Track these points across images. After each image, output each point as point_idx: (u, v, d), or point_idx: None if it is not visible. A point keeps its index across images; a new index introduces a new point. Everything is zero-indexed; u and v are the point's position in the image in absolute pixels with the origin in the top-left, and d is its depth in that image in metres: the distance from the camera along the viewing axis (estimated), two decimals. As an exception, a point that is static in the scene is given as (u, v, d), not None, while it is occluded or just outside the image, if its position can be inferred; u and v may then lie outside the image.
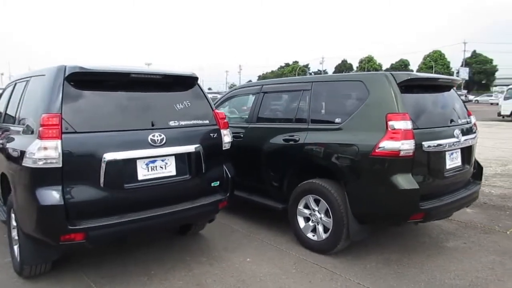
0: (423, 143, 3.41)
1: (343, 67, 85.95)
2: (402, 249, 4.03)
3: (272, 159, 4.36)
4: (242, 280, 3.37)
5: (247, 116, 4.90)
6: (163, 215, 3.14)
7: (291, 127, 4.22)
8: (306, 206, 4.02)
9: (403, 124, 3.31)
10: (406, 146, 3.28)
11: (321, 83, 4.16)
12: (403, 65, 78.73)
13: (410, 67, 78.78)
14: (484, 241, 4.28)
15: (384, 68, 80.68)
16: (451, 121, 3.88)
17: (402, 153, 3.28)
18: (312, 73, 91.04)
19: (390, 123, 3.34)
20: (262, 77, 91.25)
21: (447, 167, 3.70)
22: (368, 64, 78.26)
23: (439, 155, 3.60)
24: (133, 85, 3.25)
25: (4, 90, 4.94)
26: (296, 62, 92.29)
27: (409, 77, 3.58)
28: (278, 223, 4.67)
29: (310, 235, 3.98)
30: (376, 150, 3.35)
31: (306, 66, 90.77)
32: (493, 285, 3.29)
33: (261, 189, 4.53)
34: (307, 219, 4.03)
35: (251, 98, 5.77)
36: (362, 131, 3.53)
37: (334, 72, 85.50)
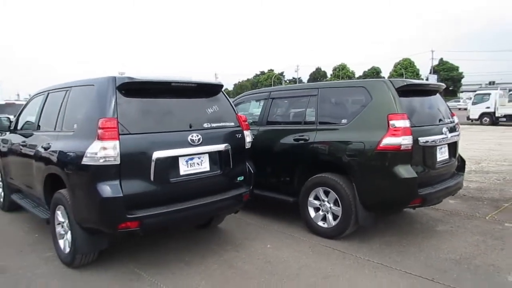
0: (419, 138, 4.03)
1: (317, 74, 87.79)
2: (399, 233, 4.63)
3: (283, 157, 4.87)
4: (268, 262, 3.85)
5: (256, 120, 5.41)
6: (201, 205, 3.60)
7: (301, 128, 4.76)
8: (316, 198, 4.54)
9: (402, 123, 3.90)
10: (406, 141, 3.88)
11: (327, 89, 4.73)
12: (375, 72, 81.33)
13: (382, 75, 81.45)
14: (468, 225, 4.93)
15: (357, 75, 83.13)
16: (440, 120, 4.55)
17: (402, 147, 3.87)
18: (287, 81, 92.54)
19: (391, 122, 3.92)
20: (238, 85, 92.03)
21: (438, 159, 4.33)
22: (342, 72, 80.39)
23: (432, 149, 4.23)
24: (173, 92, 3.71)
25: (29, 101, 5.26)
26: (271, 70, 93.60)
27: (405, 83, 4.20)
28: (288, 215, 5.19)
29: (320, 223, 4.51)
30: (380, 145, 3.93)
31: (281, 74, 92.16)
32: (479, 257, 3.91)
33: (272, 185, 5.02)
34: (317, 209, 4.56)
35: (254, 104, 6.33)
36: (367, 129, 4.10)
37: (308, 80, 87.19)
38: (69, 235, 3.67)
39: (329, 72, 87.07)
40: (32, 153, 4.25)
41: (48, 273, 3.66)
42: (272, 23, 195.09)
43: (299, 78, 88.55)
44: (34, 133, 4.55)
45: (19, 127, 5.18)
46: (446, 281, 3.38)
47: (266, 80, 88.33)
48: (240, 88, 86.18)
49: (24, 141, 4.64)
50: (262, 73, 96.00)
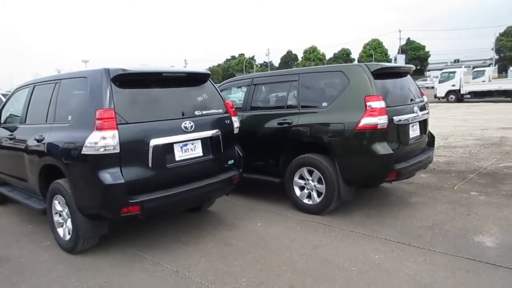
0: (393, 117, 4.40)
1: (289, 58, 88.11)
2: (377, 206, 5.04)
3: (268, 140, 5.15)
4: (261, 238, 4.16)
5: (240, 106, 5.65)
6: (196, 188, 3.84)
7: (284, 112, 5.04)
8: (301, 177, 4.87)
9: (378, 104, 4.25)
10: (382, 120, 4.23)
11: (307, 74, 5.00)
12: (345, 54, 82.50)
13: (352, 56, 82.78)
14: (438, 196, 5.41)
15: (327, 57, 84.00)
16: (411, 100, 4.94)
17: (379, 127, 4.23)
18: (259, 65, 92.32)
19: (368, 103, 4.26)
20: (210, 70, 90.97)
21: (411, 136, 4.74)
22: (313, 54, 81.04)
23: (405, 127, 4.62)
24: (164, 82, 3.90)
25: (12, 94, 5.27)
26: (242, 55, 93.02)
27: (379, 67, 4.53)
28: (274, 196, 5.52)
29: (306, 200, 4.86)
30: (359, 126, 4.27)
31: (252, 58, 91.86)
32: (448, 223, 4.37)
33: (258, 167, 5.30)
34: (302, 188, 4.90)
35: (235, 90, 6.57)
36: (346, 111, 4.42)
37: (280, 64, 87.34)
38: (69, 223, 3.84)
39: (300, 55, 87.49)
40: (22, 146, 4.33)
41: (51, 260, 3.83)
42: (241, 6, 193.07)
43: (270, 62, 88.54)
44: (21, 126, 4.61)
45: (2, 120, 5.20)
46: (421, 245, 3.80)
47: (237, 65, 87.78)
48: (212, 73, 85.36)
49: (11, 135, 4.69)
50: (233, 57, 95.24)
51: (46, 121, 4.11)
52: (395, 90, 4.87)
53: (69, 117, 3.74)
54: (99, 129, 3.31)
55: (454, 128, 12.37)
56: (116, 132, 3.32)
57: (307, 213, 4.80)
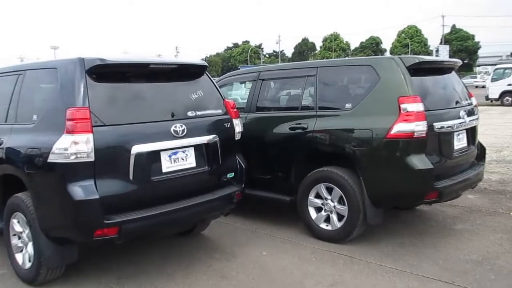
0: (434, 124, 4.41)
1: (304, 47, 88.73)
2: (412, 233, 5.04)
3: (277, 149, 5.20)
4: (266, 270, 4.17)
5: (243, 106, 5.70)
6: (188, 207, 3.86)
7: (297, 114, 5.09)
8: (318, 196, 4.89)
9: (415, 106, 4.26)
10: (420, 127, 4.24)
11: (327, 68, 5.05)
12: (374, 43, 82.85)
13: (382, 46, 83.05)
14: (489, 222, 5.40)
15: (352, 47, 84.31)
16: (456, 102, 4.97)
17: (416, 135, 4.24)
18: (267, 55, 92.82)
19: (402, 105, 4.27)
20: (207, 61, 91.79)
21: (455, 147, 4.74)
22: (334, 43, 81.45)
23: (448, 136, 4.63)
24: (151, 75, 3.95)
25: None
26: (246, 42, 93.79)
27: (417, 61, 4.57)
28: (283, 217, 5.55)
29: (323, 225, 4.86)
30: (391, 133, 4.28)
31: (259, 46, 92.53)
32: (503, 257, 4.35)
33: (264, 182, 5.34)
34: (318, 209, 4.91)
35: (238, 86, 6.65)
36: (375, 115, 4.45)
37: (293, 54, 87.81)
38: (30, 247, 3.85)
39: (318, 44, 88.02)
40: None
41: (6, 293, 3.86)
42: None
43: (281, 52, 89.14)
44: None
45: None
46: (468, 284, 3.78)
47: (240, 55, 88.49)
48: (209, 65, 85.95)
49: None
50: (236, 45, 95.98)
51: (5, 121, 4.15)
52: (437, 90, 4.89)
53: (34, 117, 3.77)
54: (70, 132, 3.33)
55: (510, 138, 12.33)
56: (90, 136, 3.35)
57: (325, 240, 4.81)
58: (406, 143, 4.28)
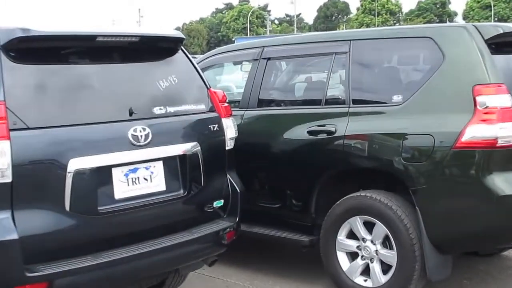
0: (528, 127, 4.32)
1: (333, 8, 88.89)
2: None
3: (289, 164, 5.11)
4: None
5: (239, 99, 5.67)
6: (153, 252, 3.75)
7: (320, 112, 5.06)
8: (352, 235, 4.78)
9: (500, 100, 4.14)
10: (506, 131, 4.11)
11: (365, 42, 4.99)
12: (438, 3, 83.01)
13: (451, 7, 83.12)
14: None
15: (406, 9, 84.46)
16: None
17: (500, 142, 4.11)
18: (276, 22, 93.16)
19: (479, 99, 4.17)
20: (185, 31, 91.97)
21: None
22: (378, 2, 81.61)
23: (551, 144, 4.54)
24: (99, 53, 3.89)
25: None
26: (245, 2, 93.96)
27: (502, 31, 4.43)
28: (298, 267, 5.48)
29: (360, 279, 4.73)
30: (462, 140, 4.16)
31: (265, 8, 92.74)
32: None
33: (271, 214, 5.27)
34: (353, 255, 4.81)
35: (231, 68, 6.64)
36: (437, 112, 4.36)
37: (315, 20, 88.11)
38: None
39: (353, 5, 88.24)
40: None
41: None
42: None
43: (298, 16, 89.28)
44: None
45: None
46: None
47: (235, 20, 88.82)
48: (189, 36, 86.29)
49: None
50: (229, 6, 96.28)
51: None
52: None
53: None
54: None
55: None
56: (6, 144, 3.28)
57: (362, 303, 4.69)
58: (486, 155, 4.17)
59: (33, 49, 3.59)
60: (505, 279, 5.32)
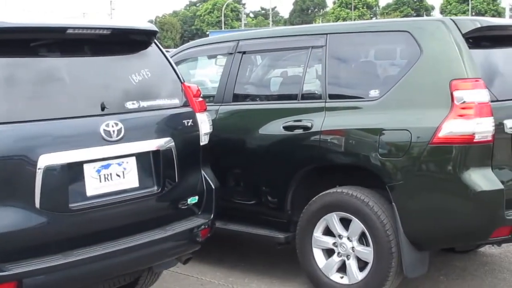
0: (505, 122, 4.29)
1: (309, 2, 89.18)
2: (472, 288, 4.96)
3: (265, 160, 5.11)
4: None
5: (213, 93, 5.65)
6: (126, 250, 3.72)
7: (296, 107, 5.06)
8: (328, 232, 4.77)
9: (477, 95, 4.14)
10: (483, 127, 4.11)
11: (342, 36, 4.99)
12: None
13: (428, 1, 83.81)
14: None
15: (383, 2, 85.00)
16: (540, 89, 4.90)
17: (477, 138, 4.11)
18: (251, 16, 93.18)
19: (457, 94, 4.16)
20: (158, 23, 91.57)
21: (539, 157, 4.69)
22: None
23: (528, 140, 4.55)
24: (71, 47, 3.88)
25: None
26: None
27: (479, 25, 4.43)
28: (274, 265, 5.48)
29: (336, 276, 4.74)
30: (439, 136, 4.16)
31: (239, 2, 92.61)
32: None
33: (246, 211, 5.27)
34: (329, 252, 4.80)
35: (205, 63, 6.63)
36: (414, 107, 4.37)
37: (291, 13, 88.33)
38: None
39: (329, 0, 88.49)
40: None
41: None
42: None
43: (273, 9, 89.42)
44: None
45: None
46: None
47: (209, 14, 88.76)
48: (162, 29, 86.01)
49: None
50: (203, 0, 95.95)
51: None
52: (510, 70, 4.82)
53: None
54: None
55: None
56: None
57: (338, 300, 4.67)
58: (463, 150, 4.18)
59: (1, 41, 3.54)
60: (482, 275, 5.34)
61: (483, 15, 61.30)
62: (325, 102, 4.88)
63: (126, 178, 3.88)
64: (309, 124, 4.86)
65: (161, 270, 4.88)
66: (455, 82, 4.23)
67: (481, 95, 4.20)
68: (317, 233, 4.86)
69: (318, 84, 5.08)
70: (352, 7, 79.99)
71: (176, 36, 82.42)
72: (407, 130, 4.35)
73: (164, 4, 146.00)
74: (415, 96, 4.46)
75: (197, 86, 4.61)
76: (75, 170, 3.63)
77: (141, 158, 3.97)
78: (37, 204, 3.45)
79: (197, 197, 4.37)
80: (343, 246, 4.75)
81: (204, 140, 4.42)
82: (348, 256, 4.74)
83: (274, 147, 5.11)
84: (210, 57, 6.25)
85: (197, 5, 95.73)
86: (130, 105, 3.98)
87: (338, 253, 4.80)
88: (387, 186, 4.49)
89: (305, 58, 5.14)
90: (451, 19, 4.54)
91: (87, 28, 3.93)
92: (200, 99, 4.50)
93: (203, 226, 4.34)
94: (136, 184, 3.94)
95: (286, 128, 4.99)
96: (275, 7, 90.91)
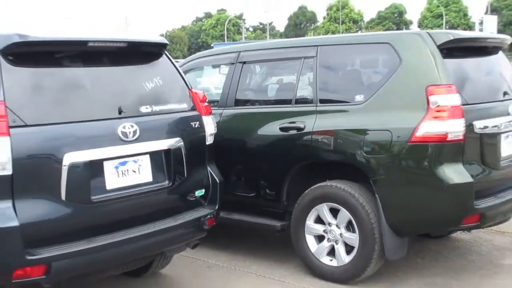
0: (474, 123, 4.45)
1: (302, 18, 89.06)
2: (446, 270, 5.12)
3: (263, 157, 5.26)
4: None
5: (217, 99, 5.73)
6: (141, 237, 3.84)
7: (291, 110, 5.18)
8: (319, 220, 4.93)
9: (450, 99, 4.29)
10: (455, 127, 4.27)
11: (331, 48, 5.13)
12: (396, 12, 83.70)
13: (408, 17, 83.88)
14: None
15: (367, 18, 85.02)
16: (505, 94, 5.04)
17: (450, 137, 4.27)
18: (251, 29, 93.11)
19: (432, 98, 4.31)
20: (168, 36, 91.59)
21: (503, 154, 4.79)
22: (342, 12, 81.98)
23: (493, 139, 4.68)
24: (91, 57, 3.97)
25: None
26: (222, 11, 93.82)
27: (452, 37, 4.61)
28: (272, 250, 5.61)
29: (326, 259, 4.89)
30: (416, 135, 4.32)
31: (240, 17, 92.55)
32: None
33: (246, 202, 5.39)
34: (320, 238, 4.95)
35: (210, 72, 6.69)
36: (395, 110, 4.51)
37: (287, 27, 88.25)
38: None
39: (320, 14, 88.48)
40: None
41: None
42: None
43: (270, 24, 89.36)
44: None
45: None
46: None
47: (213, 28, 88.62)
48: (172, 42, 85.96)
49: None
50: (208, 15, 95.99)
51: None
52: (478, 77, 4.98)
53: None
54: None
55: None
56: (7, 140, 3.30)
57: (328, 280, 4.86)
58: (437, 148, 4.33)
59: (30, 53, 3.63)
60: (454, 258, 5.45)
61: (456, 28, 61.49)
62: (316, 106, 5.01)
63: (141, 173, 3.98)
64: (302, 126, 4.98)
65: (172, 254, 4.94)
66: (430, 88, 4.36)
67: (454, 99, 4.34)
68: (310, 222, 5.01)
69: (310, 90, 5.22)
70: (340, 22, 79.98)
71: (184, 48, 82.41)
72: (388, 131, 4.48)
73: (174, 19, 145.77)
74: (395, 100, 4.60)
75: (203, 92, 4.70)
76: (96, 167, 3.71)
77: (154, 156, 4.08)
78: (63, 197, 3.55)
79: (203, 190, 4.49)
80: (332, 233, 4.88)
81: (209, 140, 4.54)
82: (336, 242, 4.88)
83: (271, 146, 5.26)
84: (214, 66, 6.34)
85: (203, 20, 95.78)
86: (144, 109, 4.08)
87: (328, 239, 4.94)
88: (371, 180, 4.63)
89: (299, 67, 5.27)
90: (427, 32, 4.70)
91: (106, 41, 4.01)
92: (206, 103, 4.62)
93: (209, 216, 4.44)
94: (149, 179, 4.04)
95: (282, 129, 5.13)
96: (272, 22, 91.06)
